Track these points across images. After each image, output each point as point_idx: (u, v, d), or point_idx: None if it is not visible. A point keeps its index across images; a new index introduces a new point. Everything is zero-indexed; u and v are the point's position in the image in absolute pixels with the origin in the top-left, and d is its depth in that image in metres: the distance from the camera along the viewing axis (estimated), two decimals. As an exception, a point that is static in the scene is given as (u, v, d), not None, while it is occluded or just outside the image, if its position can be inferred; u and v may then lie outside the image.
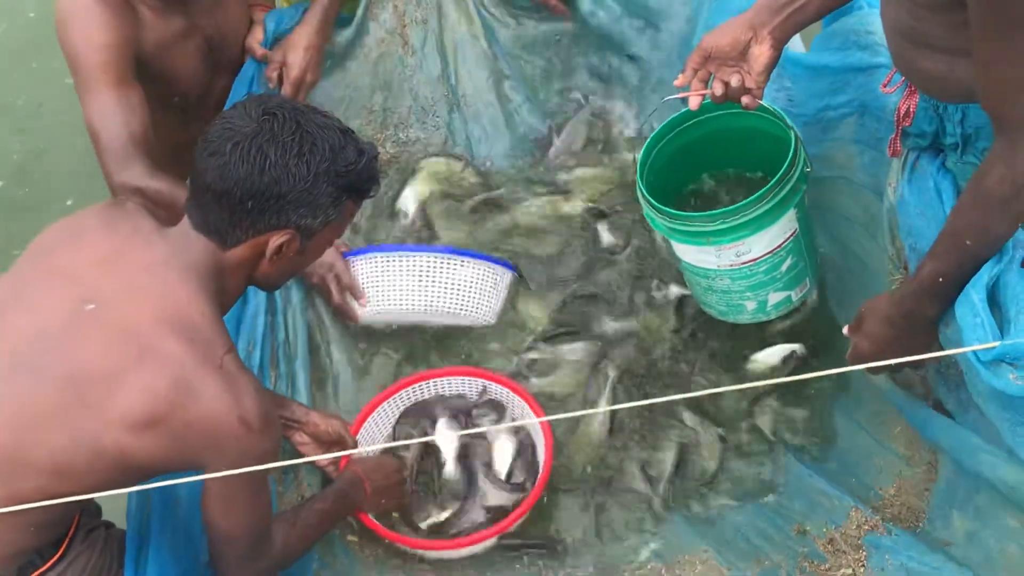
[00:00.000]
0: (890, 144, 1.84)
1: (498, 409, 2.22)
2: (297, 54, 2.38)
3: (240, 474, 1.45)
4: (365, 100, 2.69)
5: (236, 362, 1.54)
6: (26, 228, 1.69)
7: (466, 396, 2.26)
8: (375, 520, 1.99)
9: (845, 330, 1.79)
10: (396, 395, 2.22)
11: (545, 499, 2.07)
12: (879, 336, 1.70)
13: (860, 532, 1.87)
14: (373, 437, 2.19)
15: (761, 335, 2.29)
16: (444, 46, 2.71)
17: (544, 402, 2.19)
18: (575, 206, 2.57)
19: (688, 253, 2.13)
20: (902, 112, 1.77)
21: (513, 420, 2.17)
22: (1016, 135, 1.44)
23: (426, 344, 2.36)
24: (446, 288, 2.29)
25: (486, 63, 2.72)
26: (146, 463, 1.51)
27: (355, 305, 2.30)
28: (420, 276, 2.28)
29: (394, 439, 2.19)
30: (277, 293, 2.24)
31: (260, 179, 1.51)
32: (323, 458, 1.90)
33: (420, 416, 2.24)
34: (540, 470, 2.06)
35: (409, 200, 2.58)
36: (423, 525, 2.06)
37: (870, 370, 1.79)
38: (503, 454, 2.14)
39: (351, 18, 2.63)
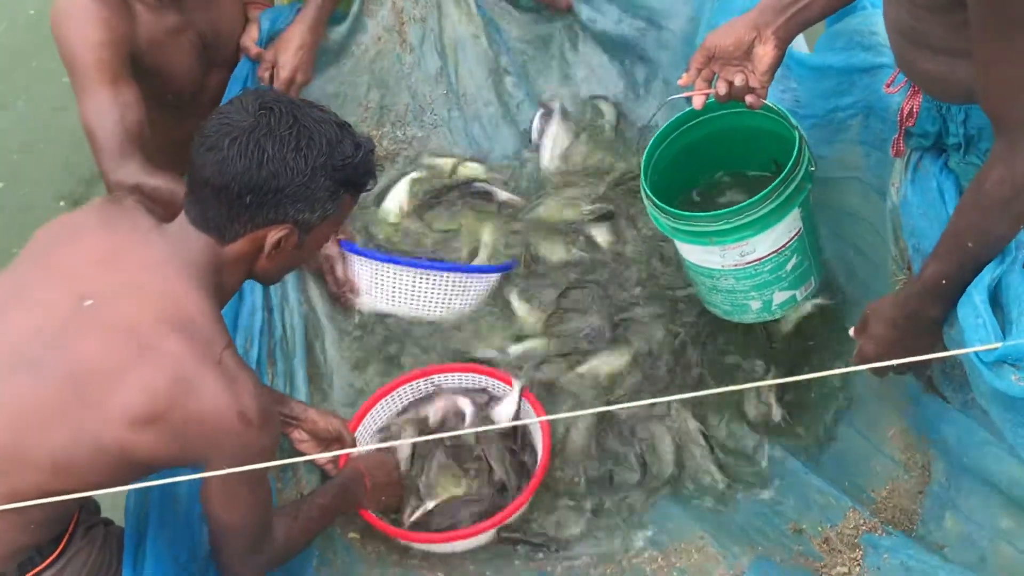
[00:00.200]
0: (893, 144, 1.84)
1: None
2: (288, 54, 2.39)
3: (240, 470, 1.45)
4: (361, 97, 2.70)
5: (235, 358, 1.55)
6: (27, 228, 1.69)
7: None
8: (376, 516, 2.00)
9: (851, 332, 1.79)
10: (394, 392, 2.23)
11: (542, 494, 2.08)
12: (883, 337, 1.70)
13: (857, 532, 1.87)
14: (372, 435, 2.19)
15: (766, 334, 2.28)
16: (444, 44, 2.71)
17: (539, 393, 2.22)
18: (573, 211, 2.59)
19: (692, 253, 2.13)
20: (905, 112, 1.76)
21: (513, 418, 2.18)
22: (1016, 136, 1.44)
23: (422, 343, 2.37)
24: (436, 296, 2.36)
25: (486, 62, 2.73)
26: (146, 460, 1.51)
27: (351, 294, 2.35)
28: (411, 284, 2.35)
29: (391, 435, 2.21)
30: (273, 291, 2.26)
31: (258, 173, 1.52)
32: (323, 456, 1.91)
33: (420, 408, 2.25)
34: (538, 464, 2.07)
35: (402, 192, 2.61)
36: (409, 519, 2.07)
37: (875, 371, 1.78)
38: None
39: (346, 16, 2.63)
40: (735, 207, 1.99)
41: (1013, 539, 1.61)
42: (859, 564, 1.82)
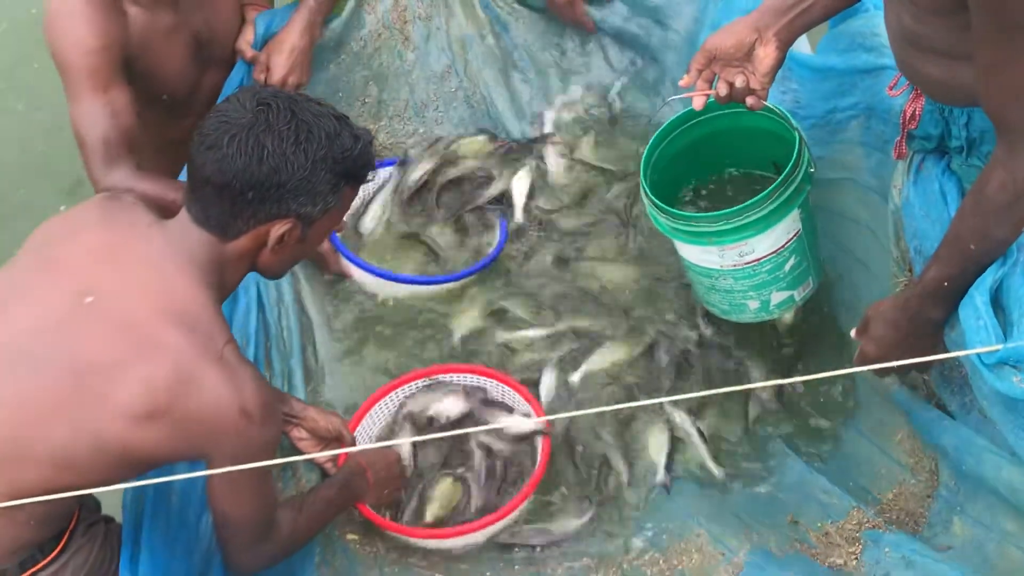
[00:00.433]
0: (896, 147, 1.84)
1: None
2: (281, 56, 2.38)
3: (243, 463, 1.46)
4: (359, 92, 2.70)
5: (236, 353, 1.55)
6: (28, 228, 1.68)
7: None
8: (374, 512, 2.00)
9: (852, 333, 1.80)
10: (393, 392, 2.22)
11: (541, 494, 2.08)
12: (885, 339, 1.71)
13: (859, 527, 1.87)
14: (371, 435, 2.19)
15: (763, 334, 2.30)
16: (451, 42, 2.72)
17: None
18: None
19: (691, 253, 2.13)
20: (908, 115, 1.77)
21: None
22: (1017, 140, 1.45)
23: (417, 342, 2.38)
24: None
25: (493, 59, 2.74)
26: (148, 455, 1.52)
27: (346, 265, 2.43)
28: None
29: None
30: (266, 291, 2.27)
31: (259, 169, 1.52)
32: (323, 455, 1.91)
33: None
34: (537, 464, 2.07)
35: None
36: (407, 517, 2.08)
37: (877, 373, 1.79)
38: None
39: (340, 14, 2.63)
40: (735, 208, 1.99)
41: (1019, 542, 1.62)
42: (856, 557, 1.83)
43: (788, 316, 2.27)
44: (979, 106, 1.53)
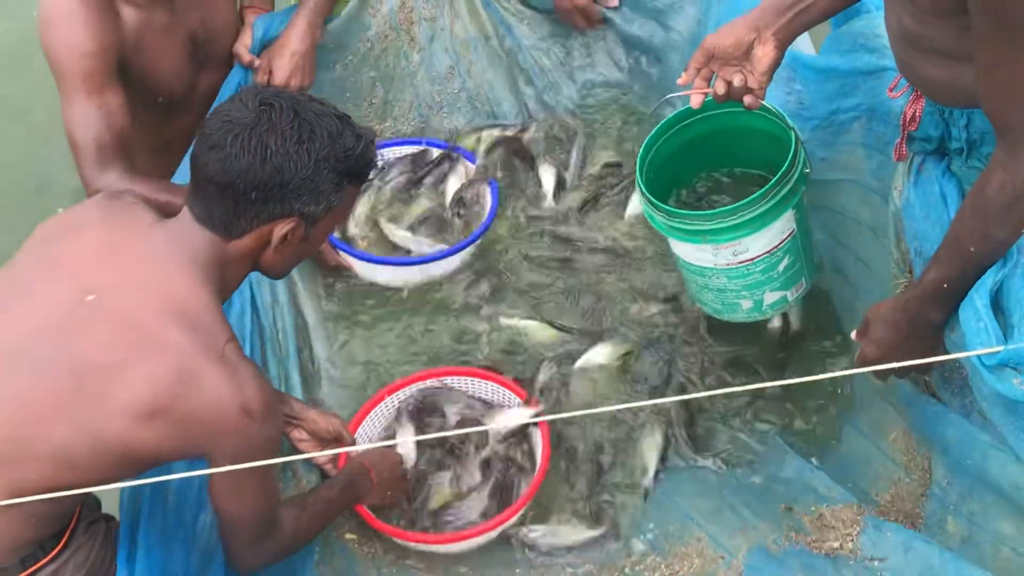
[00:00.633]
0: (896, 148, 1.85)
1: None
2: (283, 60, 2.38)
3: (244, 461, 1.45)
4: (366, 93, 2.71)
5: (238, 351, 1.55)
6: (29, 228, 1.68)
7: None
8: (372, 514, 1.99)
9: (852, 335, 1.80)
10: (394, 394, 2.20)
11: (542, 498, 2.07)
12: (885, 340, 1.71)
13: (859, 512, 1.88)
14: (371, 436, 2.17)
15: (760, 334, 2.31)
16: (455, 43, 2.71)
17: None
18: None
19: (686, 251, 2.13)
20: (908, 117, 1.78)
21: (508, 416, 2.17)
22: (1016, 141, 1.45)
23: (416, 343, 2.37)
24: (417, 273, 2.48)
25: (498, 60, 2.74)
26: (149, 453, 1.51)
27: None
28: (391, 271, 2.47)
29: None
30: (259, 293, 2.26)
31: (263, 169, 1.52)
32: (323, 454, 1.90)
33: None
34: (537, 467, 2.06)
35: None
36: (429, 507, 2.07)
37: (877, 375, 1.80)
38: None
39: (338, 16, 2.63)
40: (730, 206, 1.99)
41: (1014, 543, 1.62)
42: (853, 539, 1.82)
43: (794, 318, 2.28)
44: (979, 108, 1.54)
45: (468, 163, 2.64)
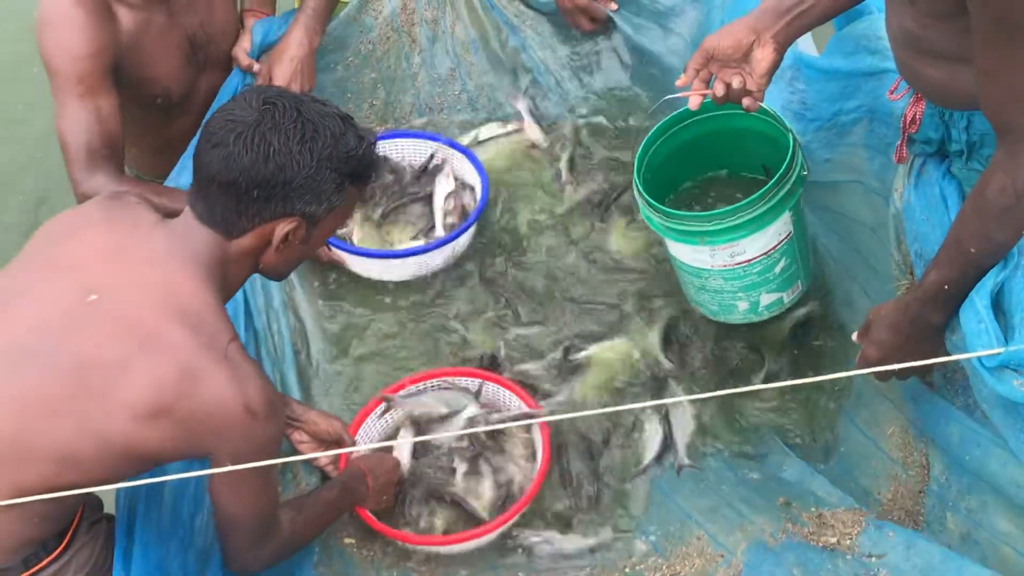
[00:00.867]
0: (896, 151, 1.86)
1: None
2: (282, 65, 2.38)
3: (246, 461, 1.45)
4: (368, 94, 2.71)
5: (240, 351, 1.55)
6: (31, 228, 1.67)
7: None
8: (373, 517, 1.98)
9: (854, 336, 1.80)
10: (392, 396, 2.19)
11: (542, 500, 2.07)
12: (886, 342, 1.71)
13: (860, 515, 1.88)
14: (371, 438, 2.16)
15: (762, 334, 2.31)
16: (455, 45, 2.71)
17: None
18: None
19: (683, 252, 2.14)
20: (908, 119, 1.78)
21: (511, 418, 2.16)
22: (1016, 143, 1.46)
23: (415, 344, 2.36)
24: (410, 265, 2.45)
25: (500, 63, 2.75)
26: (152, 452, 1.51)
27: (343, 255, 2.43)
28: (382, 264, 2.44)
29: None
30: (255, 297, 2.25)
31: (265, 167, 1.52)
32: (323, 455, 1.90)
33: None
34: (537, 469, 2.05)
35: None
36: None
37: (878, 376, 1.80)
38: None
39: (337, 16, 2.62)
40: (727, 208, 2.00)
41: (1013, 542, 1.63)
42: (851, 538, 1.82)
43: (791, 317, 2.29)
44: (979, 110, 1.54)
45: (455, 170, 2.60)
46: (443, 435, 2.09)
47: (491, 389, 2.22)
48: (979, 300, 1.54)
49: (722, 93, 1.90)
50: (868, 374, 1.85)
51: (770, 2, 1.86)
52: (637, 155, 2.16)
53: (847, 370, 1.87)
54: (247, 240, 1.58)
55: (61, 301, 1.51)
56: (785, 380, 2.17)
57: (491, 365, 2.28)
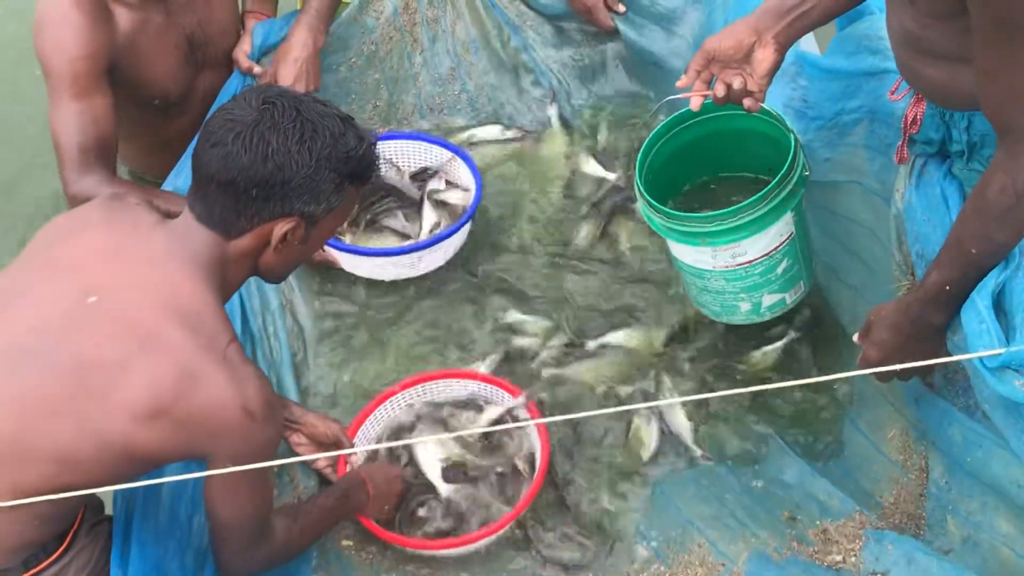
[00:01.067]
0: (897, 151, 1.86)
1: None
2: (287, 66, 2.38)
3: (244, 463, 1.45)
4: (371, 95, 2.71)
5: (239, 352, 1.55)
6: (33, 229, 1.67)
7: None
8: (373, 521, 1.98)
9: (855, 337, 1.80)
10: (393, 398, 2.19)
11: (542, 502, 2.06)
12: (887, 343, 1.71)
13: (861, 526, 1.87)
14: (370, 440, 2.16)
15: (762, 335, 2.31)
16: (455, 45, 2.71)
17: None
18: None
19: (685, 253, 2.14)
20: (909, 119, 1.78)
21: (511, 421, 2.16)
22: (1017, 144, 1.46)
23: (414, 345, 2.36)
24: (406, 265, 2.44)
25: (500, 63, 2.75)
26: (150, 453, 1.51)
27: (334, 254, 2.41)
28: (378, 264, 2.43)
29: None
30: (250, 300, 2.26)
31: (264, 167, 1.52)
32: (321, 456, 1.90)
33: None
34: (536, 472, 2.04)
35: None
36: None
37: (879, 377, 1.80)
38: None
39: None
40: (729, 209, 2.00)
41: (1013, 544, 1.62)
42: (856, 554, 1.82)
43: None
44: (980, 110, 1.54)
45: (447, 175, 2.60)
46: (442, 436, 2.09)
47: (485, 389, 2.22)
48: (980, 300, 1.54)
49: (723, 94, 1.90)
50: (869, 375, 1.84)
51: (771, 3, 1.86)
52: (639, 156, 2.15)
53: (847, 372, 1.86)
54: (246, 240, 1.58)
55: (61, 301, 1.51)
56: (785, 381, 2.16)
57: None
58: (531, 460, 2.12)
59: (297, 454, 2.01)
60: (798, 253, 2.13)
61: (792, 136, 2.02)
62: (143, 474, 1.57)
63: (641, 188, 2.10)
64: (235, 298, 2.17)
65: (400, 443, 2.11)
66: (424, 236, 2.47)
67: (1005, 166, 1.48)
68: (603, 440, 2.16)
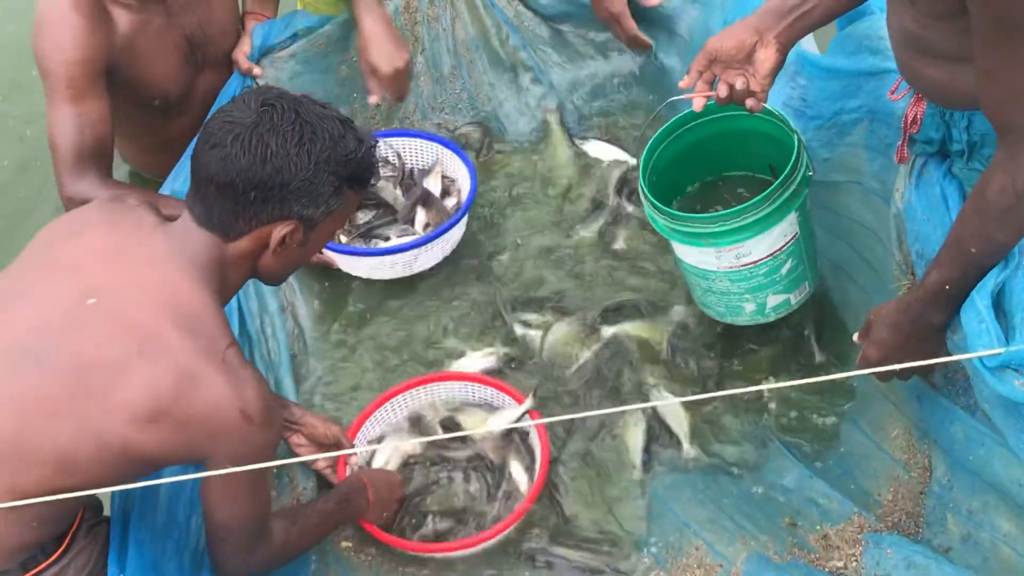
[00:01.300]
0: (897, 151, 1.85)
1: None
2: (394, 80, 2.43)
3: (242, 465, 1.45)
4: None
5: (238, 355, 1.55)
6: (33, 229, 1.68)
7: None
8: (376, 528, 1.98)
9: (855, 337, 1.80)
10: (393, 400, 2.20)
11: (540, 504, 2.06)
12: (887, 342, 1.71)
13: (860, 530, 1.87)
14: (370, 443, 2.16)
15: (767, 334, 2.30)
16: (456, 44, 2.72)
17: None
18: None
19: (689, 254, 2.14)
20: (909, 119, 1.78)
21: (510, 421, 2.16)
22: (1017, 144, 1.46)
23: (414, 346, 2.37)
24: (402, 264, 2.43)
25: (500, 62, 2.75)
26: (149, 455, 1.51)
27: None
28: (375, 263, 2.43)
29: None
30: (248, 302, 2.26)
31: (262, 169, 1.52)
32: (321, 456, 1.90)
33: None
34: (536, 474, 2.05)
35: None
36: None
37: (879, 377, 1.80)
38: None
39: (328, 19, 2.62)
40: (733, 209, 1.99)
41: (1014, 543, 1.62)
42: (856, 560, 1.82)
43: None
44: (979, 110, 1.54)
45: (444, 169, 2.61)
46: (441, 436, 2.09)
47: (485, 392, 2.23)
48: (980, 300, 1.54)
49: (725, 94, 1.90)
50: (869, 375, 1.84)
51: (772, 3, 1.86)
52: (642, 158, 2.15)
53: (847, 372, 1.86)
54: (245, 243, 1.58)
55: (61, 301, 1.51)
56: (785, 381, 2.16)
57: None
58: (531, 461, 2.12)
59: (297, 455, 2.02)
60: (802, 253, 2.12)
61: (796, 136, 2.02)
62: (142, 477, 1.57)
63: (645, 190, 2.11)
64: (233, 300, 2.17)
65: (398, 443, 2.11)
66: (419, 235, 2.48)
67: (1005, 166, 1.48)
68: (596, 436, 2.16)
